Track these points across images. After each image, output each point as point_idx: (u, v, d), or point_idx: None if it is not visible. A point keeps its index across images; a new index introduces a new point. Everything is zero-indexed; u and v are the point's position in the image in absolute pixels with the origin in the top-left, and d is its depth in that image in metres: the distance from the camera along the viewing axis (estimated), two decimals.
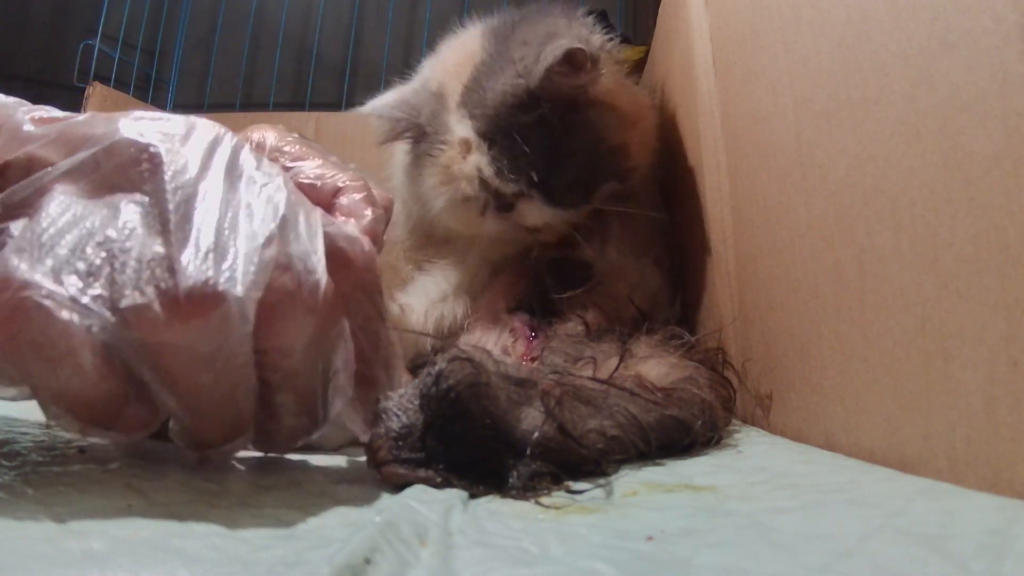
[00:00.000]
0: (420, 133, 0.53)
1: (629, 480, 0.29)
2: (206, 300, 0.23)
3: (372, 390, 0.29)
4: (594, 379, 0.35)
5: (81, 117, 0.27)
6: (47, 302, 0.22)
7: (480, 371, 0.27)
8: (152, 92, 1.39)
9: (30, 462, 0.25)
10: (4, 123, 0.27)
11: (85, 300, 0.23)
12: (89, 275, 0.23)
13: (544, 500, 0.25)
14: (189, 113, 0.29)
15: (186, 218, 0.25)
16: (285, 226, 0.26)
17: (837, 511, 0.23)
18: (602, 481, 0.28)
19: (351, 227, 0.30)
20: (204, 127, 0.28)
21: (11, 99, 0.28)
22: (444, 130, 0.51)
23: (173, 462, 0.27)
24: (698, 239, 0.53)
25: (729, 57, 0.47)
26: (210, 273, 0.24)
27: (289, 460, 0.30)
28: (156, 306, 0.23)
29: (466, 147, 0.50)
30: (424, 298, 0.54)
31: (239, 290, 0.24)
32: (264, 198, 0.27)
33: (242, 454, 0.30)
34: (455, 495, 0.25)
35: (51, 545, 0.18)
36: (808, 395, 0.35)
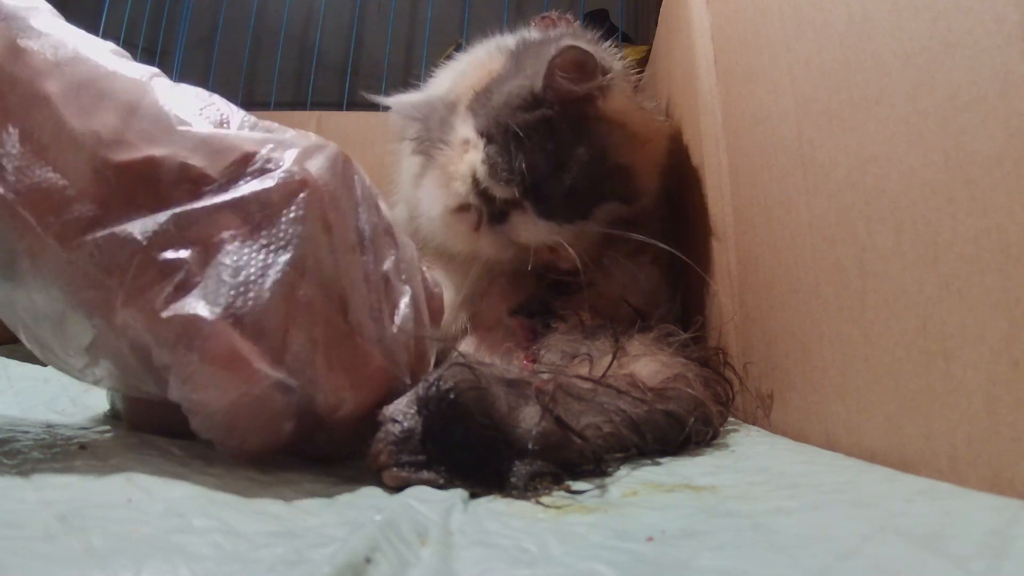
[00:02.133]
0: (428, 139, 0.53)
1: (629, 480, 0.29)
2: (385, 378, 0.29)
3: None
4: (583, 377, 0.35)
5: (224, 116, 0.28)
6: (271, 390, 0.26)
7: (478, 376, 0.27)
8: None
9: (31, 459, 0.25)
10: (144, 106, 0.27)
11: (292, 385, 0.26)
12: (283, 351, 0.26)
13: (544, 500, 0.25)
14: None
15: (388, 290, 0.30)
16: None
17: (837, 512, 0.23)
18: (602, 481, 0.28)
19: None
20: (326, 150, 0.29)
21: (146, 70, 0.28)
22: (447, 131, 0.51)
23: (174, 459, 0.27)
24: (699, 238, 0.53)
25: (730, 57, 0.47)
26: (396, 353, 0.29)
27: (290, 459, 0.30)
28: (348, 389, 0.27)
29: (465, 146, 0.50)
30: None
31: (405, 374, 0.30)
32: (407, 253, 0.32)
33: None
34: (455, 495, 0.25)
35: (52, 543, 0.18)
36: (809, 395, 0.35)
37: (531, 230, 0.49)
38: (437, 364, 0.30)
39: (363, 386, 0.28)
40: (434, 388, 0.27)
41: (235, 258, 0.26)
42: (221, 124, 0.28)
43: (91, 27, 0.28)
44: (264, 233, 0.26)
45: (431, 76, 0.66)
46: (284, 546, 0.19)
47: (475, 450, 0.27)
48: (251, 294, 0.25)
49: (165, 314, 0.25)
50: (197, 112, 0.28)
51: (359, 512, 0.23)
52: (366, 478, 0.28)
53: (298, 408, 0.27)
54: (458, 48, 0.68)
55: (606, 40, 0.58)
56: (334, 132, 1.02)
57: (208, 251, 0.25)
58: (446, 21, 1.44)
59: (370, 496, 0.26)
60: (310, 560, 0.18)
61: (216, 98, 0.29)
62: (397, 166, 0.64)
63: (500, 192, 0.48)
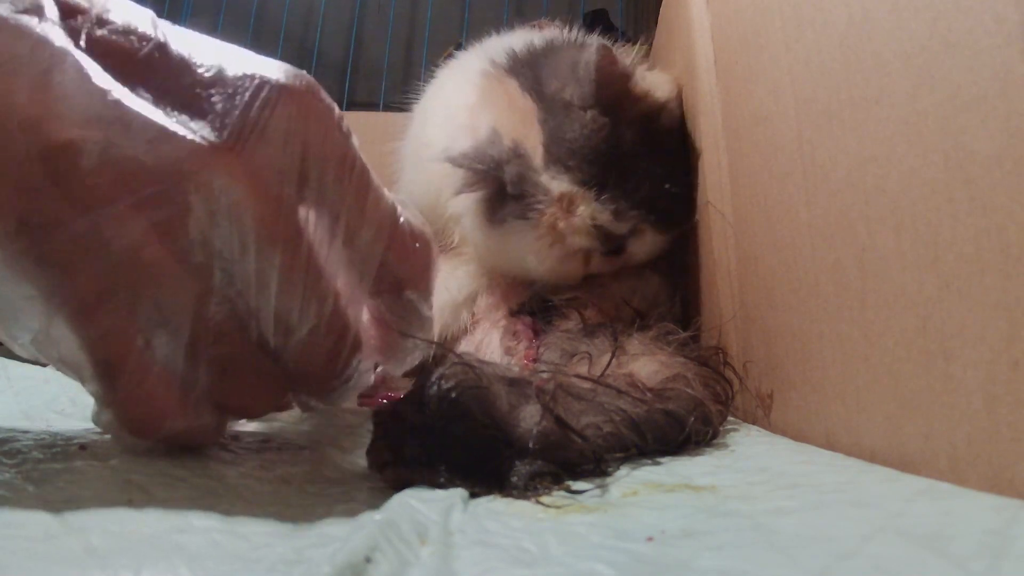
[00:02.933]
0: (499, 189, 0.51)
1: (629, 480, 0.29)
2: (281, 387, 0.28)
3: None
4: (582, 376, 0.35)
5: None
6: (187, 425, 0.26)
7: (479, 375, 0.27)
8: None
9: (31, 459, 0.25)
10: (65, 72, 0.21)
11: (204, 419, 0.26)
12: (195, 382, 0.26)
13: (544, 499, 0.25)
14: None
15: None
16: None
17: (837, 512, 0.23)
18: (602, 481, 0.28)
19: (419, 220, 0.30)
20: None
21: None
22: (536, 191, 0.49)
23: (174, 459, 0.27)
24: (699, 238, 0.53)
25: (730, 57, 0.47)
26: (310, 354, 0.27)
27: (290, 458, 0.30)
28: (250, 407, 0.29)
29: (569, 201, 0.48)
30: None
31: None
32: None
33: (243, 452, 0.30)
34: (455, 494, 0.25)
35: (52, 543, 0.18)
36: (809, 394, 0.35)
37: (649, 248, 0.50)
38: (438, 362, 0.30)
39: (263, 398, 0.28)
40: (435, 387, 0.27)
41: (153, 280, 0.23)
42: (167, 78, 0.23)
43: None
44: (179, 240, 0.23)
45: (430, 77, 0.66)
46: (284, 545, 0.19)
47: (475, 449, 0.27)
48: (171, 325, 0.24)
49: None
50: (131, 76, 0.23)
51: (359, 511, 0.23)
52: (366, 477, 0.28)
53: (217, 421, 0.27)
54: (458, 47, 0.68)
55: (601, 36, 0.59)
56: None
57: (129, 265, 0.23)
58: (446, 21, 1.44)
59: (370, 495, 0.26)
60: (310, 559, 0.18)
61: (164, 29, 0.24)
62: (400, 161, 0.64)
63: (624, 229, 0.48)
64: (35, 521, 0.19)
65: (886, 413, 0.28)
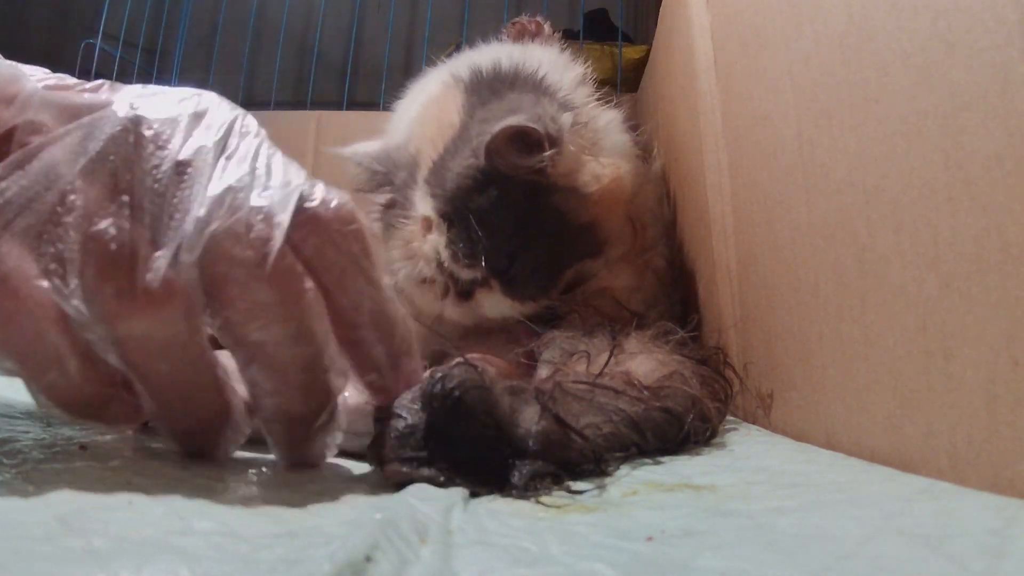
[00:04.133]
0: (391, 196, 0.52)
1: (629, 479, 0.29)
2: (159, 296, 0.23)
3: (368, 365, 0.27)
4: (579, 380, 0.35)
5: (90, 84, 0.27)
6: (37, 309, 0.23)
7: (482, 375, 0.27)
8: None
9: (31, 460, 0.25)
10: (18, 93, 0.25)
11: (74, 303, 0.23)
12: (60, 261, 0.23)
13: (544, 499, 0.25)
14: None
15: (160, 197, 0.24)
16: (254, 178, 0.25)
17: (837, 511, 0.23)
18: (602, 481, 0.28)
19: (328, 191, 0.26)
20: (207, 101, 0.27)
21: (26, 68, 0.27)
22: (409, 204, 0.50)
23: (174, 460, 0.27)
24: (699, 238, 0.53)
25: (730, 56, 0.47)
26: (166, 269, 0.23)
27: None
28: (113, 300, 0.23)
29: (427, 226, 0.49)
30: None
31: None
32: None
33: (243, 453, 0.30)
34: (456, 493, 0.25)
35: (52, 543, 0.18)
36: (809, 394, 0.35)
37: (496, 308, 0.49)
38: (439, 362, 0.30)
39: (134, 302, 0.23)
40: (439, 386, 0.27)
41: None
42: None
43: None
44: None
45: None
46: (285, 546, 0.19)
47: (477, 448, 0.27)
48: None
49: None
50: None
51: (359, 511, 0.23)
52: (366, 477, 0.28)
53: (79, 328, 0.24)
54: (458, 47, 0.68)
55: (592, 39, 0.57)
56: (334, 132, 1.03)
57: None
58: (446, 21, 1.44)
59: (370, 495, 0.26)
60: (310, 559, 0.18)
61: None
62: None
63: (465, 275, 0.48)
64: (35, 521, 0.19)
65: (886, 413, 0.28)
